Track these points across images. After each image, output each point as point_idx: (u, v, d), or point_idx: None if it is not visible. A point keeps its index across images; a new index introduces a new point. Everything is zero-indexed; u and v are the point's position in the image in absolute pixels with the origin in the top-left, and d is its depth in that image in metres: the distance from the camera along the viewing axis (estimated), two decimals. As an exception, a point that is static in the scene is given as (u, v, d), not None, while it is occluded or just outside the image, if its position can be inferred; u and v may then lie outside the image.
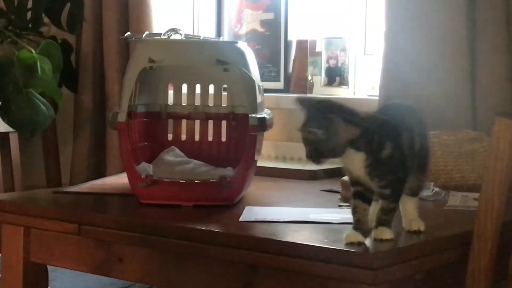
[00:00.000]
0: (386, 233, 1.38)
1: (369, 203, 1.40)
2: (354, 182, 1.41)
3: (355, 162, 1.38)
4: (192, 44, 1.85)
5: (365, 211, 1.39)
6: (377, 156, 1.37)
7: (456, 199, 1.78)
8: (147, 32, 1.87)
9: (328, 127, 1.34)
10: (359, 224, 1.38)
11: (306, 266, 1.35)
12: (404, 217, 1.46)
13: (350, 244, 1.35)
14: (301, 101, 1.40)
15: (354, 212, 1.39)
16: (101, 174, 2.75)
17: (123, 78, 1.78)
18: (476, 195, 1.70)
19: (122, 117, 1.72)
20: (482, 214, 1.38)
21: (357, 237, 1.37)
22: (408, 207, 1.46)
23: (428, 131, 1.48)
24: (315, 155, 1.37)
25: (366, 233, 1.38)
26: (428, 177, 1.51)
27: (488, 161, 1.39)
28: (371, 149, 1.36)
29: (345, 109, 1.39)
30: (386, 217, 1.39)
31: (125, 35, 1.89)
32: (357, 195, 1.40)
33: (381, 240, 1.37)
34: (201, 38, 1.97)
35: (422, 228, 1.44)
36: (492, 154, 1.38)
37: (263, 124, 1.73)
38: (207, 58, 1.75)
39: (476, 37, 2.20)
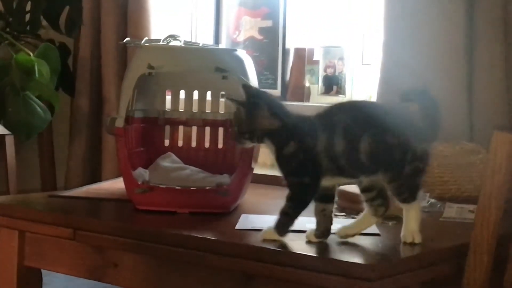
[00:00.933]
0: (271, 235, 1.43)
1: (327, 201, 1.45)
2: None
3: (271, 153, 1.45)
4: (192, 51, 1.85)
5: (322, 212, 1.44)
6: (281, 151, 1.43)
7: (451, 211, 1.78)
8: (146, 38, 1.87)
9: (252, 110, 1.43)
10: (316, 225, 1.45)
11: (302, 276, 1.35)
12: (403, 225, 1.46)
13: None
14: (244, 86, 1.48)
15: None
16: (97, 178, 2.74)
17: (122, 84, 1.78)
18: (471, 207, 1.71)
19: (120, 123, 1.72)
20: (479, 227, 1.39)
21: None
22: (408, 216, 1.45)
23: (395, 127, 1.42)
24: (237, 135, 1.46)
25: (323, 235, 1.45)
26: (414, 179, 1.44)
27: (485, 174, 1.39)
28: (278, 144, 1.43)
29: (276, 103, 1.47)
30: (279, 220, 1.43)
31: (125, 40, 1.89)
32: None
33: (264, 240, 1.43)
34: (200, 45, 1.97)
35: (416, 241, 1.44)
36: (490, 167, 1.39)
37: (261, 132, 1.73)
38: (206, 66, 1.75)
39: (474, 50, 2.21)
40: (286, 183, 1.43)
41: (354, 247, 1.43)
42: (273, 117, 1.43)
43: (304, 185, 1.42)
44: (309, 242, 1.44)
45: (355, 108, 1.47)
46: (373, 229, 1.53)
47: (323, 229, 1.45)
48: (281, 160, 1.44)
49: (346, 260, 1.34)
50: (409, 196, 1.43)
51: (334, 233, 1.49)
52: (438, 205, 1.84)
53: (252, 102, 1.44)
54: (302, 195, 1.43)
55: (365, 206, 1.46)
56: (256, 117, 1.44)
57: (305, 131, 1.42)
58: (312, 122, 1.43)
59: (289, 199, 1.43)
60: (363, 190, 1.45)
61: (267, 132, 1.44)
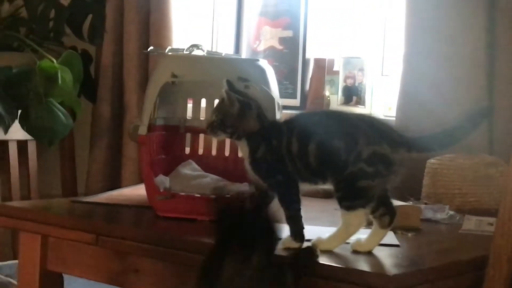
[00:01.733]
0: (290, 243, 1.45)
1: None
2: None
3: (244, 154, 1.50)
4: (215, 61, 1.87)
5: None
6: (254, 155, 1.47)
7: (470, 223, 1.78)
8: (170, 47, 1.89)
9: (246, 108, 1.48)
10: None
11: (321, 285, 1.35)
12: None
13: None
14: (228, 82, 1.53)
15: None
16: (117, 184, 2.77)
17: (145, 92, 1.80)
18: (491, 219, 1.71)
19: (143, 130, 1.74)
20: (498, 239, 1.39)
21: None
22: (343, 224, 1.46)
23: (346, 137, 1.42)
24: (217, 125, 1.49)
25: None
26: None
27: (505, 187, 1.40)
28: (252, 147, 1.48)
29: (262, 108, 1.52)
30: (289, 227, 1.46)
31: (149, 49, 1.92)
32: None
33: (285, 249, 1.44)
34: (223, 55, 1.99)
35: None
36: (510, 180, 1.39)
37: (281, 142, 1.74)
38: (229, 75, 1.76)
39: (495, 62, 2.21)
40: (266, 185, 1.47)
41: (373, 257, 1.44)
42: (257, 120, 1.49)
43: (280, 183, 1.46)
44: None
45: (316, 115, 1.55)
46: (393, 240, 1.53)
47: None
48: (254, 163, 1.48)
49: (365, 270, 1.35)
50: (345, 199, 1.43)
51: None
52: (457, 217, 1.84)
53: (247, 101, 1.50)
54: (284, 193, 1.46)
55: (373, 220, 1.46)
56: (246, 116, 1.49)
57: (273, 134, 1.48)
58: (280, 126, 1.49)
59: (280, 202, 1.47)
60: None
61: (247, 132, 1.49)
